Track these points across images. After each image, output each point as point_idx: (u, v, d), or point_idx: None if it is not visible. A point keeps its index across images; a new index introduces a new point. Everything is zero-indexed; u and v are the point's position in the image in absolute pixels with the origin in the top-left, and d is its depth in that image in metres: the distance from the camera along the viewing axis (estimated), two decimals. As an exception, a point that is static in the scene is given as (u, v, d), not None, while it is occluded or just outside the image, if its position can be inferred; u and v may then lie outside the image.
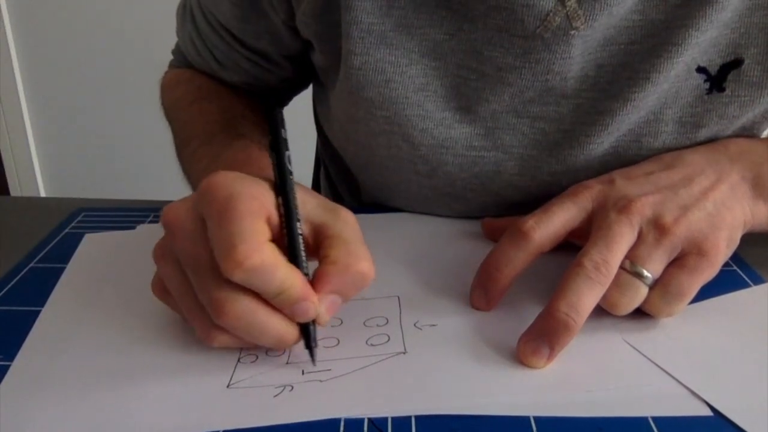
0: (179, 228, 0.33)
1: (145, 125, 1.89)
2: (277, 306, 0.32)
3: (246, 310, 0.31)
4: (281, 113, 0.36)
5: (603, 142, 0.45)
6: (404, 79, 0.45)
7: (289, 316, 0.32)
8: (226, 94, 0.58)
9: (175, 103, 0.60)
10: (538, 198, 0.47)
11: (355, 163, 0.55)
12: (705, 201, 0.38)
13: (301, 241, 0.33)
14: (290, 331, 0.33)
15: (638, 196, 0.38)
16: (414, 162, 0.48)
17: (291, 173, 0.35)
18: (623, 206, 0.37)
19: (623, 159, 0.45)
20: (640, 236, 0.36)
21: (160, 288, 0.35)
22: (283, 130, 0.35)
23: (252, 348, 0.35)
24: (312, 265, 0.34)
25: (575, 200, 0.39)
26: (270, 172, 0.35)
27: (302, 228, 0.34)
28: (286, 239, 0.33)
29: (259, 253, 0.30)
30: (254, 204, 0.32)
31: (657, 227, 0.36)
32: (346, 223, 0.34)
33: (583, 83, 0.44)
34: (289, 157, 0.35)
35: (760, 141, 0.45)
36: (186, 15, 0.59)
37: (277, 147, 0.35)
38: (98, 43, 1.82)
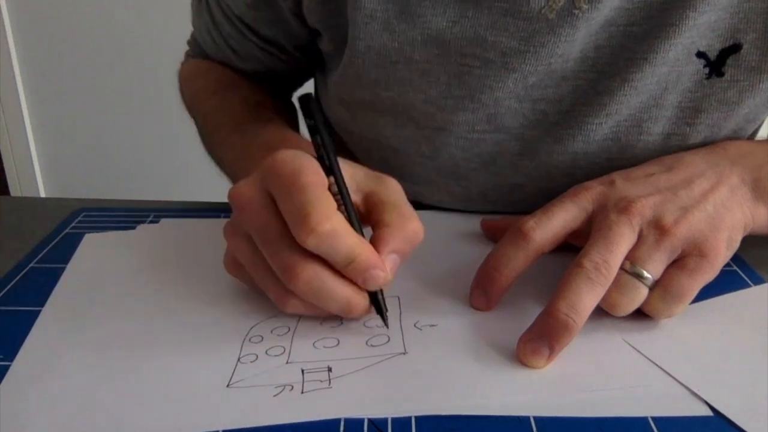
0: (248, 204, 0.35)
1: (145, 125, 1.89)
2: (348, 275, 0.34)
3: (316, 274, 0.33)
4: (314, 100, 0.36)
5: (602, 123, 0.45)
6: (408, 64, 0.46)
7: (361, 285, 0.34)
8: (244, 83, 0.61)
9: (196, 94, 0.62)
10: (536, 180, 0.48)
11: (360, 147, 0.56)
12: (705, 203, 0.38)
13: (356, 214, 0.36)
14: (358, 299, 0.35)
15: (638, 197, 0.38)
16: (418, 142, 0.49)
17: (336, 153, 0.36)
18: (623, 207, 0.37)
19: (623, 144, 0.46)
20: (640, 237, 0.36)
21: (233, 263, 0.38)
22: (319, 114, 0.36)
23: (251, 347, 0.35)
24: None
25: (575, 201, 0.39)
26: (307, 152, 0.36)
27: (353, 200, 0.36)
28: (343, 215, 0.35)
29: (330, 221, 0.32)
30: (318, 177, 0.34)
31: (657, 228, 0.36)
32: (392, 188, 0.37)
33: (583, 64, 0.44)
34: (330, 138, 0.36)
35: (760, 144, 0.45)
36: (202, 5, 0.60)
37: (319, 130, 0.36)
38: (98, 43, 1.82)
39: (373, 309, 0.36)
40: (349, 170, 0.37)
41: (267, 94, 0.60)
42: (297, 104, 0.36)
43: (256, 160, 0.45)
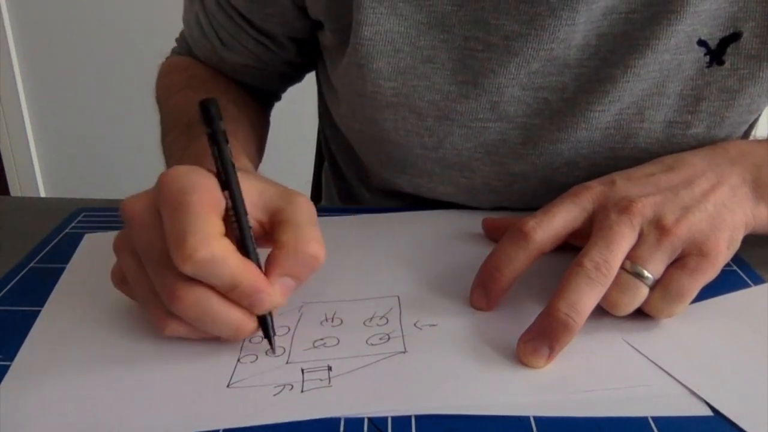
0: (136, 220, 0.33)
1: (145, 125, 1.89)
2: (234, 300, 0.32)
3: (200, 297, 0.32)
4: (216, 105, 0.34)
5: (605, 111, 0.45)
6: (413, 50, 0.46)
7: (247, 309, 0.33)
8: (216, 84, 0.59)
9: (165, 90, 0.60)
10: (540, 169, 0.48)
11: (362, 141, 0.56)
12: (705, 202, 0.38)
13: (250, 232, 0.34)
14: (246, 321, 0.33)
15: (639, 197, 0.38)
16: (421, 134, 0.49)
17: (233, 165, 0.34)
18: (624, 207, 0.37)
19: (626, 131, 0.46)
20: (640, 237, 0.36)
21: (119, 278, 0.36)
22: (220, 122, 0.34)
23: (251, 347, 0.35)
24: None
25: (576, 201, 0.39)
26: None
27: (256, 216, 0.34)
28: (236, 232, 0.33)
29: (209, 247, 0.30)
30: (206, 197, 0.32)
31: (658, 228, 0.36)
32: (298, 206, 0.35)
33: (585, 52, 0.45)
34: (230, 149, 0.34)
35: (761, 143, 0.45)
36: None
37: (216, 140, 0.34)
38: (98, 43, 1.82)
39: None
40: (258, 186, 0.35)
41: (236, 100, 0.57)
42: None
43: None
